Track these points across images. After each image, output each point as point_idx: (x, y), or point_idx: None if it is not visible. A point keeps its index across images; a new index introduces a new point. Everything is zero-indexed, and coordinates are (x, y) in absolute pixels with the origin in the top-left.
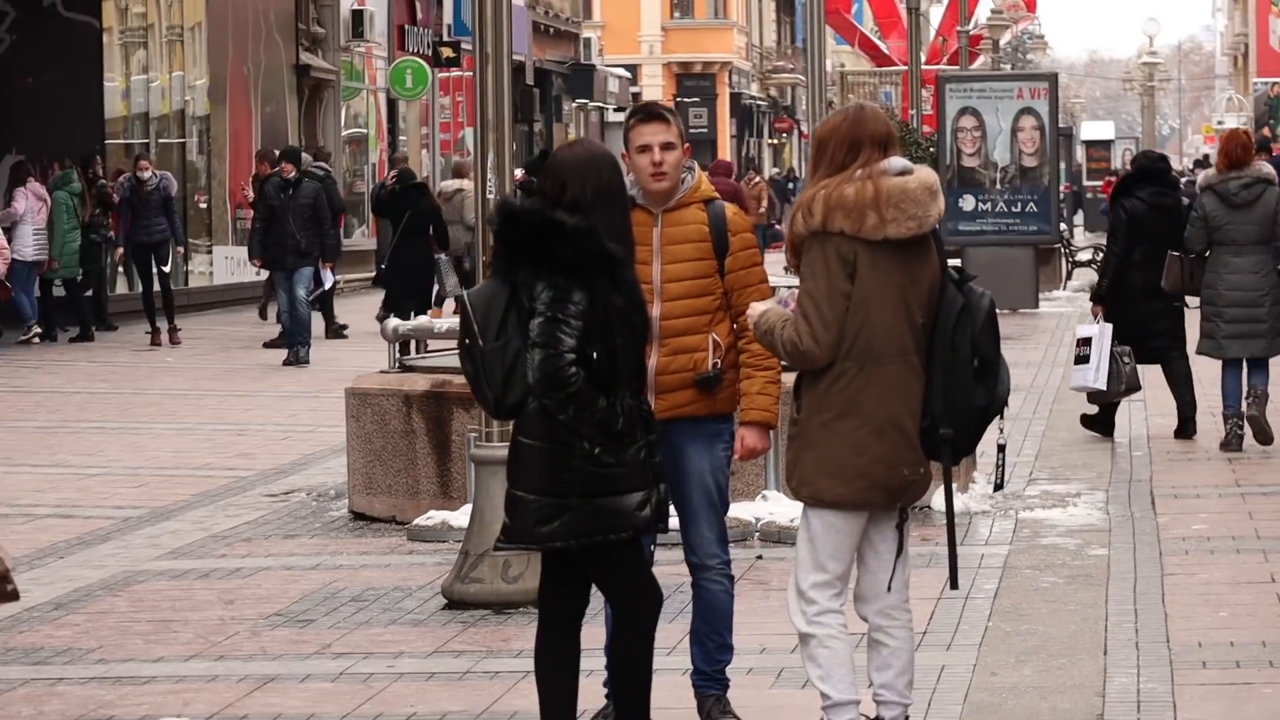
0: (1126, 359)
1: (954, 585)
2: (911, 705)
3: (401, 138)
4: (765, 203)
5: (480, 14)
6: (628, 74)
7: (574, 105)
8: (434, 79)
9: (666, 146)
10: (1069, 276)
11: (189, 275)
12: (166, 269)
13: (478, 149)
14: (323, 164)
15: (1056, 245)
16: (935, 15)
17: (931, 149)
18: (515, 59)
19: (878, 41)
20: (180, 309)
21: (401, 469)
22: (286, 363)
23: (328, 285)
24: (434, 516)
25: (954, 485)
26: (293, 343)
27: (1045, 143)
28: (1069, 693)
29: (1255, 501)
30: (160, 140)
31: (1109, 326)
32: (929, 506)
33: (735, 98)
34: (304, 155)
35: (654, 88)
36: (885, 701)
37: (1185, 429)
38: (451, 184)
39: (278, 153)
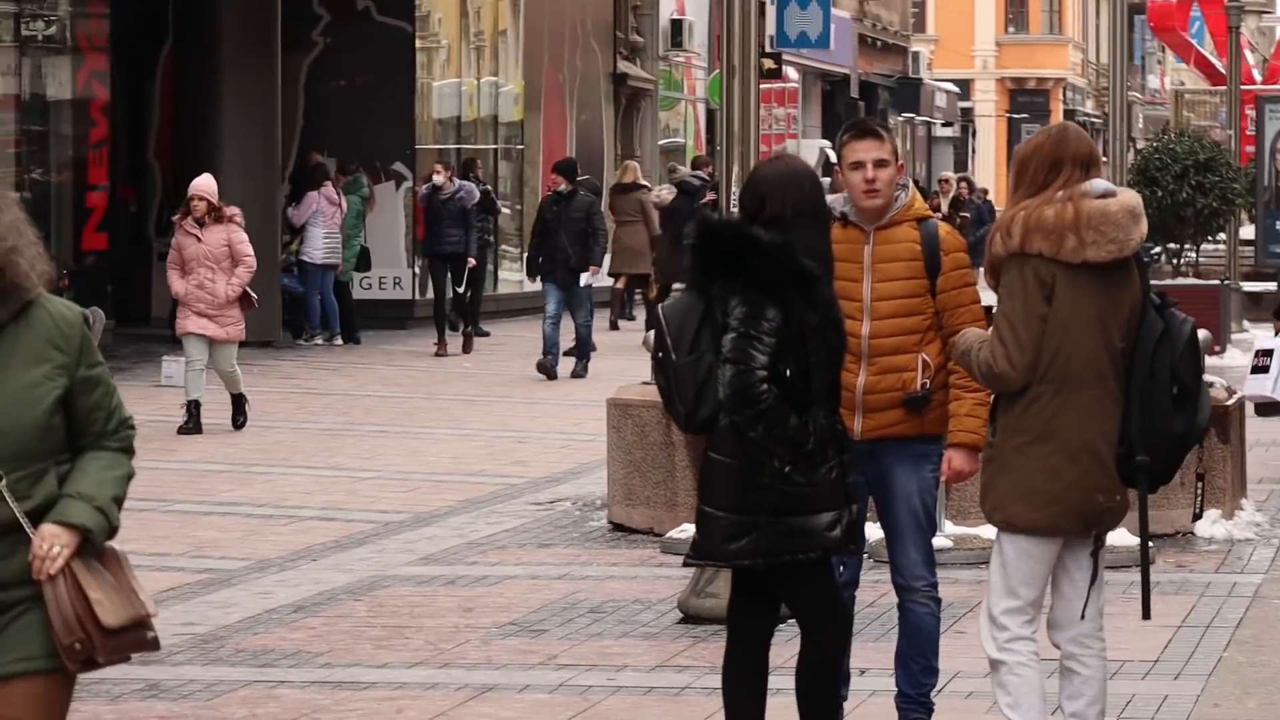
0: None
1: (1146, 615)
2: None
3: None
4: None
5: (727, 25)
6: (956, 88)
7: (900, 119)
8: (755, 90)
9: (880, 164)
10: None
11: (498, 281)
12: (460, 288)
13: (723, 162)
14: (700, 173)
15: None
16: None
17: (1248, 173)
18: (840, 71)
19: (1214, 59)
20: (489, 314)
21: (660, 480)
22: (540, 368)
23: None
24: (687, 529)
25: (1199, 511)
26: (549, 351)
27: None
28: None
29: None
30: (469, 146)
31: None
32: (1193, 533)
33: (1069, 114)
34: (681, 167)
35: (986, 103)
36: None
37: None
38: (665, 192)
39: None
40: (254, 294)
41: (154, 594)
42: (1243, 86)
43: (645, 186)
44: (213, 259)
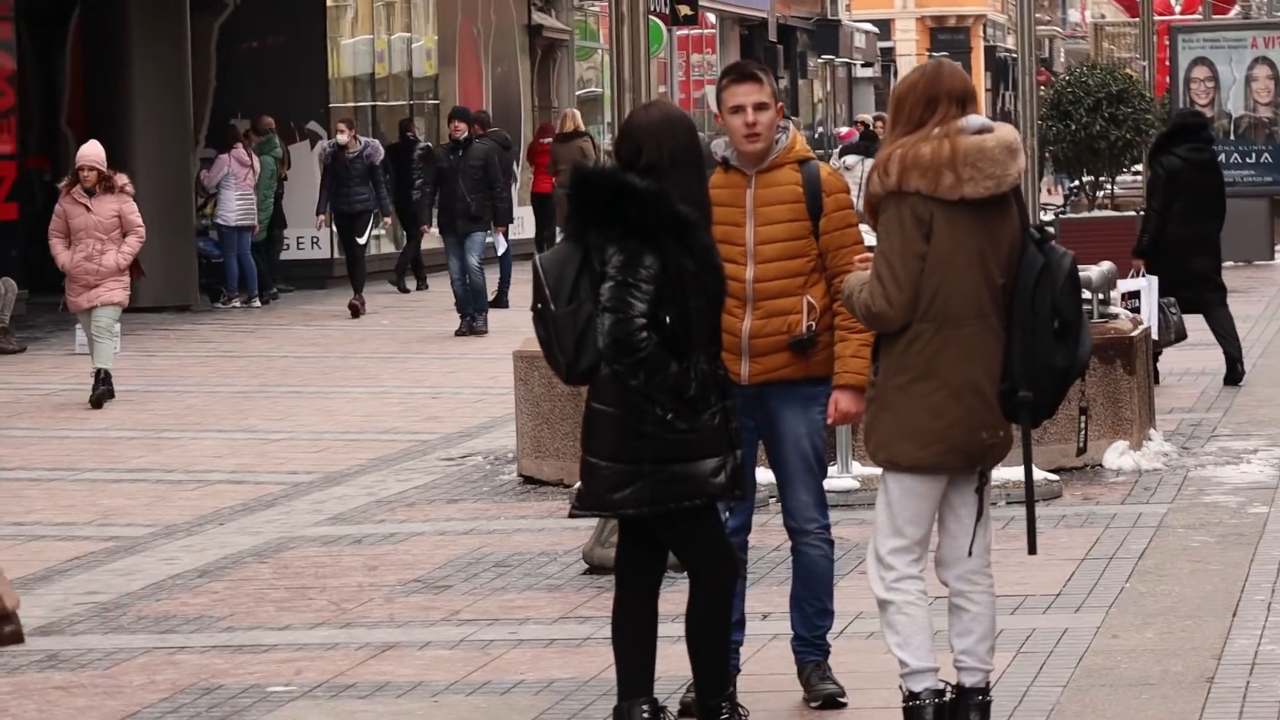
0: (1173, 309)
1: (1031, 550)
2: (993, 670)
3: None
4: None
5: None
6: (875, 29)
7: (819, 61)
8: (671, 38)
9: (760, 107)
10: None
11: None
12: (361, 240)
13: (615, 111)
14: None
15: None
16: None
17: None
18: (758, 15)
19: None
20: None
21: (569, 432)
22: (459, 333)
23: (500, 251)
24: None
25: (1083, 444)
26: (465, 312)
27: (1278, 92)
28: (1185, 655)
29: None
30: (382, 103)
31: (1154, 279)
32: (1101, 465)
33: (990, 51)
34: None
35: (907, 42)
36: (966, 668)
37: (1234, 373)
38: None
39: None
40: (141, 264)
41: (58, 563)
42: (1158, 17)
43: (586, 134)
44: (103, 229)
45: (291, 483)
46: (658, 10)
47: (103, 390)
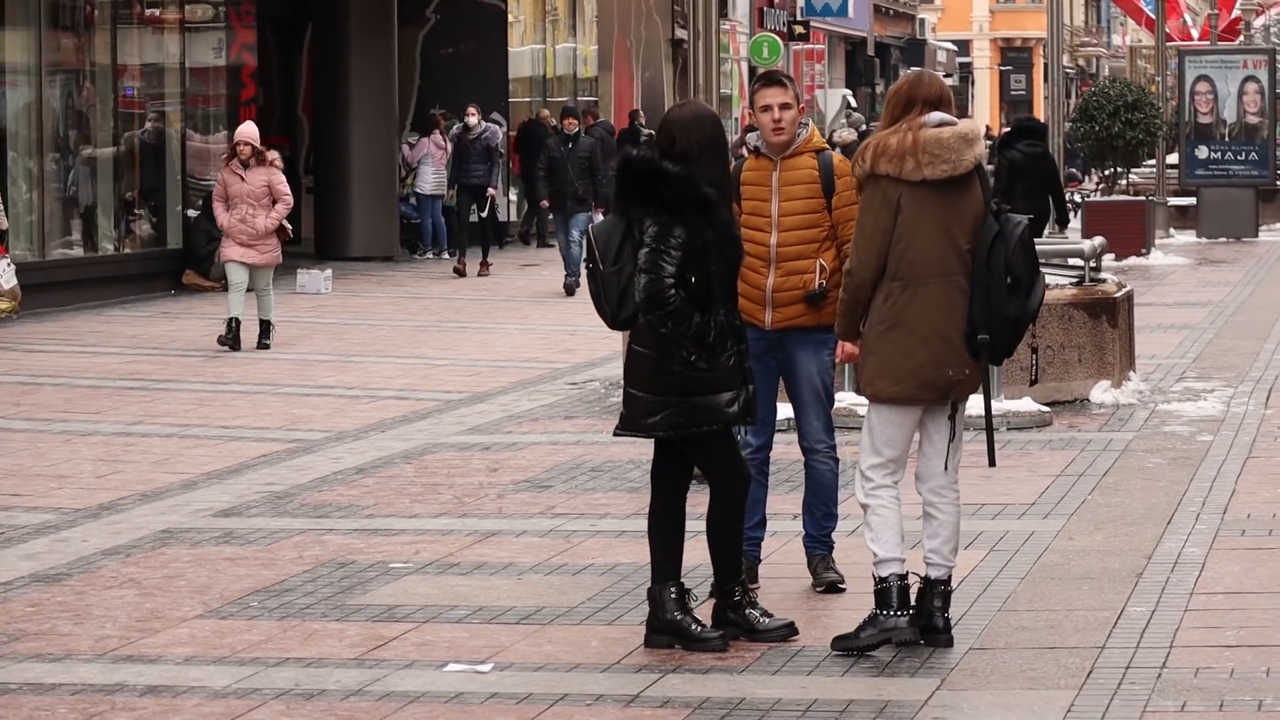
0: None
1: (991, 463)
2: (955, 566)
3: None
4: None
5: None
6: (954, 47)
7: (908, 72)
8: (788, 50)
9: (784, 106)
10: None
11: None
12: (484, 214)
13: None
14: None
15: (1274, 187)
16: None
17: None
18: (859, 34)
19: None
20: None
21: None
22: (566, 288)
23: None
24: None
25: (1035, 377)
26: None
27: (1265, 104)
28: (1123, 555)
29: None
30: (552, 99)
31: None
32: (1087, 399)
33: (1048, 66)
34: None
35: (982, 58)
36: (933, 564)
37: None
38: (846, 134)
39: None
40: (289, 226)
41: (248, 459)
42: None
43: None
44: (254, 197)
45: (445, 400)
46: (777, 28)
47: (266, 340)
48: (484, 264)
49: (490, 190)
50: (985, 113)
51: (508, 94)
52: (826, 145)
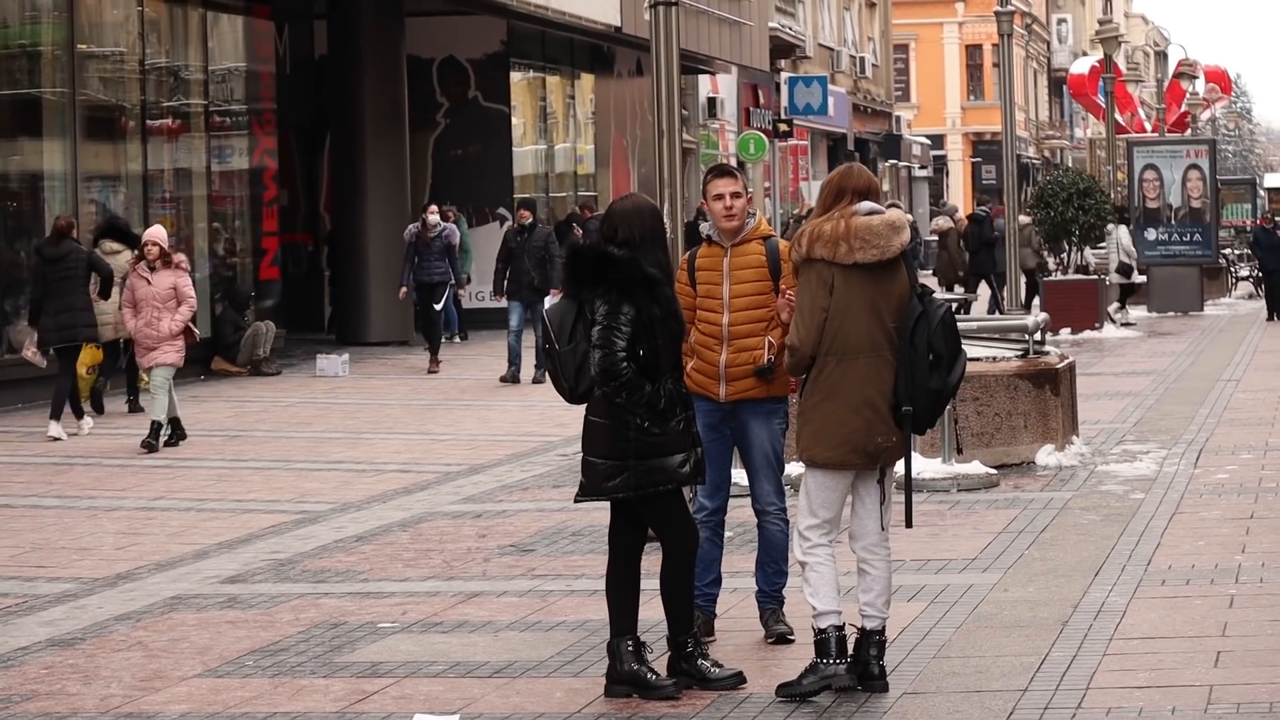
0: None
1: (908, 524)
2: (889, 619)
3: (749, 189)
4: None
5: (657, 103)
6: (928, 140)
7: (886, 165)
8: (773, 147)
9: (735, 195)
10: (1233, 288)
11: None
12: (437, 307)
13: (661, 198)
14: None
15: (1218, 265)
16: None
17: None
18: (839, 131)
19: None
20: None
21: None
22: (503, 380)
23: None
24: None
25: (960, 446)
26: (513, 363)
27: (1206, 190)
28: (1052, 605)
29: (1275, 456)
30: (554, 194)
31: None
32: (1033, 462)
33: (1016, 157)
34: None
35: (955, 150)
36: (868, 615)
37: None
38: (942, 221)
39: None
40: (196, 331)
41: (258, 530)
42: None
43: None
44: (159, 299)
45: (444, 472)
46: (763, 126)
47: (154, 441)
48: (434, 360)
49: (462, 289)
50: (960, 199)
51: (512, 189)
52: (773, 233)
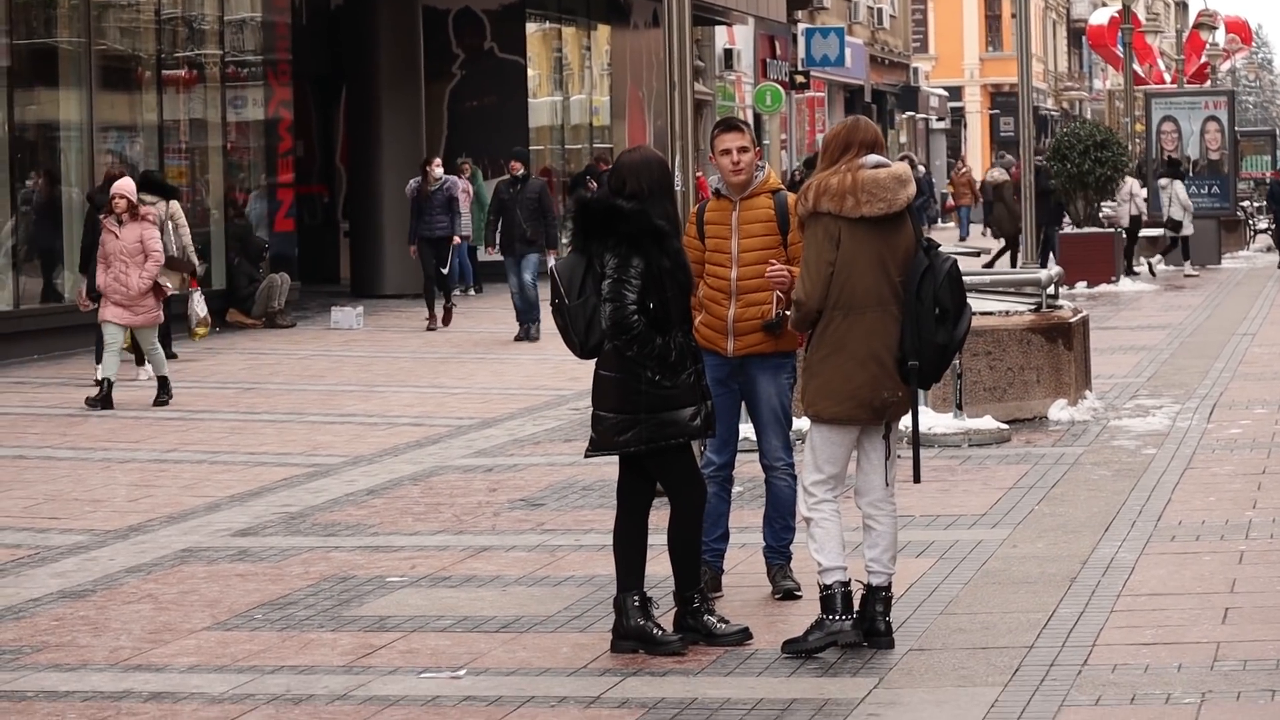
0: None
1: (916, 480)
2: (894, 575)
3: (765, 141)
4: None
5: (669, 55)
6: (946, 93)
7: (904, 117)
8: (790, 99)
9: (742, 150)
10: (1251, 241)
11: None
12: (444, 270)
13: (670, 153)
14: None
15: (1236, 218)
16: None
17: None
18: (856, 83)
19: (1136, 68)
20: None
21: None
22: (518, 338)
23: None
24: None
25: (960, 402)
26: (524, 321)
27: (1225, 141)
28: (1061, 560)
29: None
30: (569, 146)
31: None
32: (1045, 417)
33: (1034, 109)
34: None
35: (974, 102)
36: (874, 571)
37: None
38: (997, 173)
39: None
40: (167, 285)
41: (270, 483)
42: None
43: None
44: (128, 253)
45: (456, 425)
46: (779, 78)
47: (165, 397)
48: (447, 309)
49: (456, 239)
50: (977, 152)
51: (528, 142)
52: (782, 186)
